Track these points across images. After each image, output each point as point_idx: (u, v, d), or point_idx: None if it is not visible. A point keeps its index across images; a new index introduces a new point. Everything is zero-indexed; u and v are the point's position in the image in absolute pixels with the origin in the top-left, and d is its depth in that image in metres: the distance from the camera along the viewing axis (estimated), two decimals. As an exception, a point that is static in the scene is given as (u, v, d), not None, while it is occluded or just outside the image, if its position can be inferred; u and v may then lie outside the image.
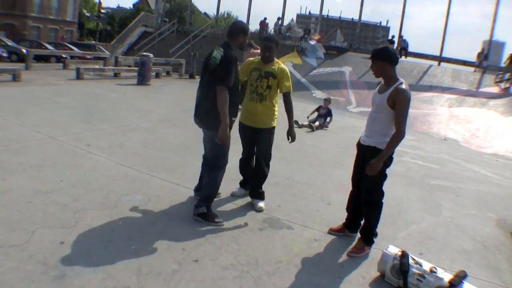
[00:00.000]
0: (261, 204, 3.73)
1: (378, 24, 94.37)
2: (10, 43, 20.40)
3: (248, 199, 3.87)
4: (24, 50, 16.70)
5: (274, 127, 3.72)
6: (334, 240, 3.30)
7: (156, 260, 2.62)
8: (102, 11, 39.91)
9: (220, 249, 2.89)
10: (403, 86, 2.83)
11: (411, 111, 2.95)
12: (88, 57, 20.25)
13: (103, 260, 2.53)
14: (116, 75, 13.57)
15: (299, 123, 8.34)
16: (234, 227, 3.30)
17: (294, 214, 3.72)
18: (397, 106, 2.81)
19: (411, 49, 21.08)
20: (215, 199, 3.47)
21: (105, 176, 3.99)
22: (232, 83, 3.15)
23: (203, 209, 3.30)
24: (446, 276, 2.52)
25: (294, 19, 27.93)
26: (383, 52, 2.92)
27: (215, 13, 29.47)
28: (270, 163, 3.83)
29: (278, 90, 3.67)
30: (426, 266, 2.62)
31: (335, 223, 3.50)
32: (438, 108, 14.04)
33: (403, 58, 19.55)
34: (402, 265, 2.62)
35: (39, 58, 18.57)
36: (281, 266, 2.78)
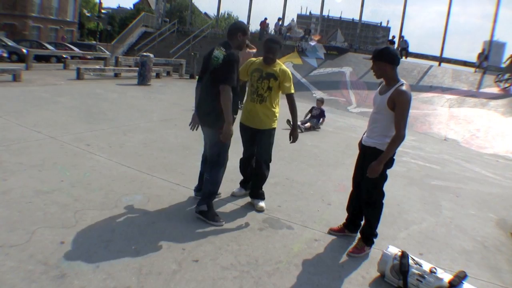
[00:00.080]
0: (262, 204, 3.73)
1: (379, 25, 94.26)
2: (10, 43, 20.41)
3: (248, 199, 3.87)
4: (24, 50, 16.71)
5: (274, 129, 3.72)
6: (334, 240, 3.30)
7: (156, 260, 2.62)
8: (103, 11, 39.99)
9: (220, 249, 2.89)
10: (403, 88, 2.80)
11: (411, 111, 2.94)
12: (89, 57, 20.25)
13: (103, 260, 2.53)
14: (116, 75, 13.59)
15: (291, 122, 8.00)
16: (234, 227, 3.30)
17: (294, 214, 3.72)
18: (397, 108, 2.79)
19: (411, 49, 21.08)
20: (215, 199, 3.48)
21: (105, 176, 4.00)
22: (236, 82, 3.16)
23: (203, 207, 3.31)
24: (446, 277, 2.52)
25: (295, 19, 27.93)
26: (384, 53, 2.90)
27: (216, 13, 29.50)
28: (270, 163, 3.83)
29: (280, 91, 3.65)
30: (426, 266, 2.62)
31: (335, 223, 3.50)
32: (439, 108, 14.04)
33: (403, 58, 19.55)
34: (402, 265, 2.62)
35: (40, 58, 18.59)
36: (281, 266, 2.78)
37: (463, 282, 2.48)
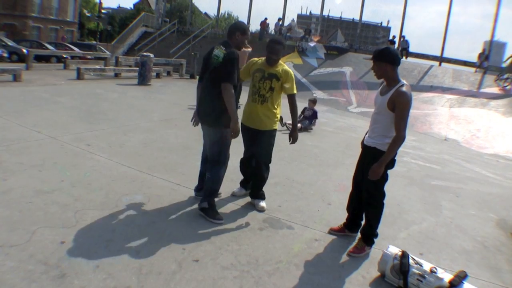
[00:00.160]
0: (263, 204, 3.73)
1: (379, 25, 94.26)
2: (10, 43, 20.42)
3: (248, 199, 3.87)
4: (24, 50, 16.72)
5: (275, 130, 3.70)
6: (335, 240, 3.30)
7: (156, 260, 2.62)
8: (103, 11, 40.01)
9: (221, 249, 2.89)
10: (404, 89, 2.78)
11: (412, 111, 2.93)
12: (89, 57, 20.25)
13: (104, 260, 2.53)
14: (116, 75, 13.59)
15: (284, 121, 7.24)
16: (235, 227, 3.30)
17: (295, 214, 3.72)
18: (397, 109, 2.78)
19: (411, 49, 21.09)
20: (215, 199, 3.48)
21: (106, 176, 4.00)
22: (237, 80, 3.17)
23: (204, 204, 3.33)
24: (446, 276, 2.52)
25: (295, 19, 27.97)
26: (385, 53, 2.89)
27: (216, 13, 29.52)
28: (270, 163, 3.82)
29: (282, 92, 3.64)
30: (427, 266, 2.62)
31: (335, 223, 3.50)
32: (439, 108, 14.04)
33: (404, 58, 19.54)
34: (402, 265, 2.62)
35: (40, 58, 18.60)
36: (281, 266, 2.78)
37: (464, 282, 2.48)
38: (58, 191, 3.47)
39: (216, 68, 3.16)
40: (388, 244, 2.98)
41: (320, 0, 23.38)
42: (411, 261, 2.64)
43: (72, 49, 22.49)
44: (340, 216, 3.54)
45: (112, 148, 5.01)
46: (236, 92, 3.26)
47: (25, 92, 8.37)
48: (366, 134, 3.17)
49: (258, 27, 24.74)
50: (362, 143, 3.18)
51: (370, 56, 2.97)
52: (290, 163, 5.44)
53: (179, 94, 11.52)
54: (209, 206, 3.34)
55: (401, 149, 2.90)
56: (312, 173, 5.21)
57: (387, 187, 3.09)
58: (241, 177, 4.03)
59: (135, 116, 7.28)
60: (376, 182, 2.95)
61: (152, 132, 6.20)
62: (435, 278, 2.52)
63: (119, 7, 68.31)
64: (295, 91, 3.64)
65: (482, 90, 15.74)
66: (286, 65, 3.71)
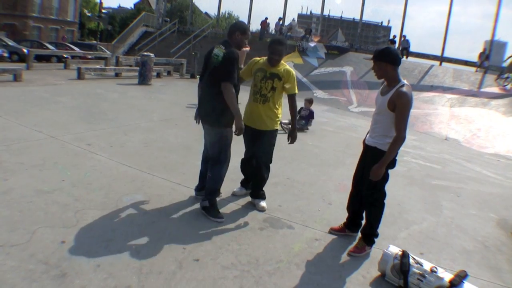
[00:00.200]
0: (263, 203, 3.73)
1: (379, 24, 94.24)
2: (11, 43, 20.44)
3: (249, 198, 3.87)
4: (25, 50, 16.74)
5: (276, 130, 3.69)
6: (335, 240, 3.30)
7: (156, 260, 2.62)
8: (103, 11, 40.07)
9: (221, 248, 2.89)
10: (404, 89, 2.77)
11: (412, 111, 2.92)
12: (89, 57, 20.24)
13: (104, 259, 2.53)
14: (117, 75, 13.60)
15: (285, 124, 7.31)
16: (235, 226, 3.30)
17: (295, 213, 3.72)
18: (397, 109, 2.77)
19: (412, 49, 21.06)
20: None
21: (106, 176, 4.00)
22: (236, 79, 3.17)
23: (206, 203, 3.35)
24: (447, 276, 2.52)
25: (296, 19, 27.93)
26: (385, 53, 2.88)
27: (216, 13, 29.52)
28: (271, 164, 3.82)
29: (283, 92, 3.62)
30: (427, 265, 2.62)
31: (336, 223, 3.50)
32: (440, 108, 14.03)
33: (404, 58, 19.52)
34: (402, 264, 2.62)
35: (40, 58, 18.61)
36: (281, 265, 2.78)
37: (464, 281, 2.48)
38: (58, 191, 3.47)
39: (215, 68, 3.17)
40: (389, 243, 2.99)
41: (320, -1, 23.40)
42: (411, 260, 2.64)
43: (72, 49, 22.51)
44: (341, 216, 3.54)
45: (113, 147, 5.02)
46: (237, 90, 3.27)
47: (26, 92, 8.37)
48: (367, 133, 3.17)
49: (259, 27, 24.75)
50: (364, 142, 3.18)
51: (371, 56, 2.96)
52: (290, 163, 5.44)
53: (180, 94, 11.52)
54: (210, 205, 3.35)
55: (401, 148, 2.89)
56: (313, 172, 5.20)
57: (388, 187, 3.08)
58: (242, 176, 4.02)
59: (136, 116, 7.28)
60: (377, 182, 2.95)
61: (152, 132, 6.20)
62: (435, 277, 2.52)
63: (119, 7, 68.37)
64: (296, 91, 3.63)
65: (482, 90, 15.73)
66: (287, 64, 3.70)
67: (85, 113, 6.91)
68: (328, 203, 4.14)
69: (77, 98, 8.38)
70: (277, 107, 3.62)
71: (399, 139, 2.77)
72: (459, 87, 16.08)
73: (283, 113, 3.78)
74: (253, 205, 3.75)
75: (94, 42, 31.97)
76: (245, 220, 3.45)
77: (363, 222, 3.23)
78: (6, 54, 17.73)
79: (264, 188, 3.81)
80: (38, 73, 12.10)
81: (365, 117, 11.60)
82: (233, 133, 3.31)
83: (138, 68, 12.58)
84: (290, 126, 3.75)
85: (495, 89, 15.74)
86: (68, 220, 2.97)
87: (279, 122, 3.72)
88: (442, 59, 20.79)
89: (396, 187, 4.84)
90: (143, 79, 12.19)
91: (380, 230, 3.19)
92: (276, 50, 3.52)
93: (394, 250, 2.76)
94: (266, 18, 23.71)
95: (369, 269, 2.89)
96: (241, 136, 3.37)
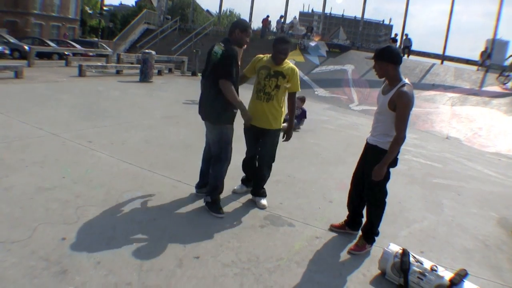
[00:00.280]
0: (264, 201, 3.73)
1: (381, 22, 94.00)
2: (12, 40, 20.45)
3: (249, 196, 3.87)
4: (26, 47, 16.76)
5: (279, 129, 3.68)
6: (335, 238, 3.30)
7: (157, 257, 2.63)
8: (105, 8, 40.06)
9: (221, 246, 2.90)
10: (405, 89, 2.75)
11: (413, 109, 2.91)
12: (91, 54, 20.27)
13: (105, 256, 2.54)
14: (118, 72, 13.59)
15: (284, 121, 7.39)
16: (235, 224, 3.30)
17: (296, 211, 3.72)
18: (397, 109, 2.76)
19: (413, 47, 21.01)
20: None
21: (107, 173, 4.00)
22: (235, 76, 3.17)
23: (207, 199, 3.41)
24: (447, 275, 2.52)
25: (297, 17, 27.91)
26: (386, 52, 2.86)
27: (218, 11, 29.44)
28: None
29: (286, 90, 3.59)
30: (427, 264, 2.62)
31: (336, 221, 3.50)
32: (441, 106, 14.00)
33: (406, 57, 19.48)
34: (403, 263, 2.62)
35: (42, 55, 18.55)
36: (282, 263, 2.78)
37: (464, 280, 2.48)
38: (59, 187, 3.48)
39: (215, 65, 3.18)
40: (389, 242, 2.98)
41: (322, -3, 23.35)
42: (411, 259, 2.64)
43: (74, 46, 22.49)
44: (341, 214, 3.53)
45: (114, 145, 5.02)
46: (237, 88, 3.26)
47: (27, 89, 8.38)
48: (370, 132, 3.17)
49: (260, 25, 24.70)
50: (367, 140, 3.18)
51: (372, 55, 2.94)
52: (291, 161, 5.44)
53: (181, 91, 11.51)
54: (212, 201, 3.39)
55: (402, 147, 2.89)
56: (314, 171, 5.20)
57: (389, 185, 3.08)
58: (242, 174, 4.02)
59: (137, 113, 7.28)
60: (378, 181, 2.95)
61: (153, 129, 6.20)
62: (435, 276, 2.52)
63: (121, 4, 68.38)
64: (299, 89, 3.63)
65: (484, 89, 15.70)
66: (291, 62, 3.68)
67: (86, 110, 6.91)
68: (329, 201, 4.14)
69: (78, 95, 8.39)
70: (280, 105, 3.60)
71: (399, 139, 2.76)
72: (461, 86, 16.04)
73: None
74: (254, 202, 3.75)
75: (96, 39, 31.94)
76: (245, 217, 3.45)
77: (364, 220, 3.22)
78: (7, 51, 17.76)
79: (265, 186, 3.81)
80: (40, 70, 12.10)
81: (366, 116, 11.58)
82: (251, 118, 3.38)
83: (139, 65, 12.58)
84: (286, 124, 3.73)
85: (497, 88, 15.70)
86: (69, 217, 2.98)
87: (282, 121, 3.70)
88: (443, 57, 20.72)
89: (397, 186, 4.83)
90: (144, 77, 12.19)
91: (381, 228, 3.19)
92: (283, 49, 3.49)
93: (395, 248, 2.76)
94: (268, 16, 23.69)
95: (370, 267, 2.89)
96: (243, 134, 3.37)
